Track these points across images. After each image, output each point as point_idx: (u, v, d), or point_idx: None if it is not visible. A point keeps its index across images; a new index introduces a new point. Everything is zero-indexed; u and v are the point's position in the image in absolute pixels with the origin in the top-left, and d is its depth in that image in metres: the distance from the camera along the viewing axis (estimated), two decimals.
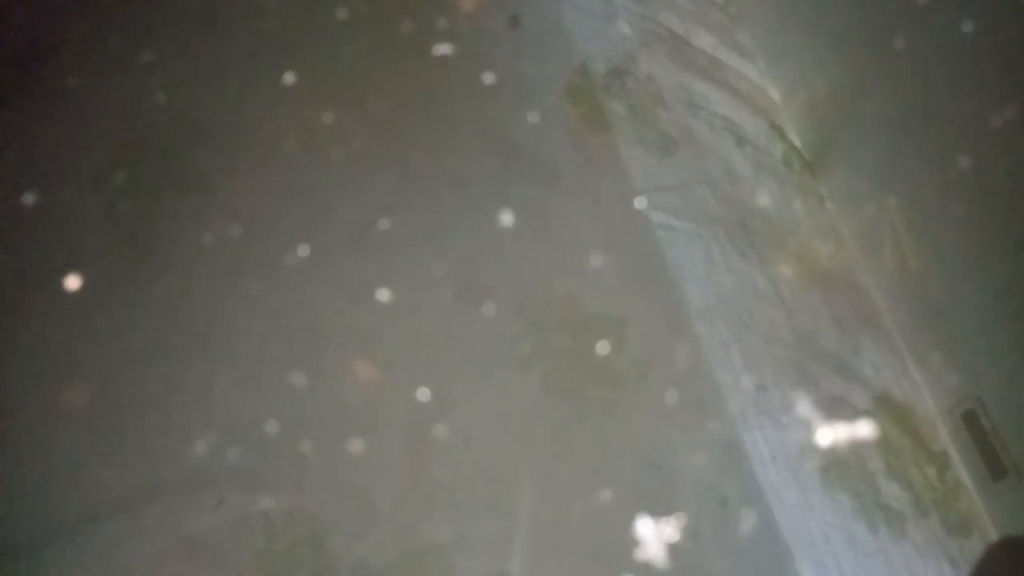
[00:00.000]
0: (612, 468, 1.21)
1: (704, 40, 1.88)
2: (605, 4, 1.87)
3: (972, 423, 1.39)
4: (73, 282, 1.24)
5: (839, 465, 1.26)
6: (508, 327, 1.28)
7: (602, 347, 1.31)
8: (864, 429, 1.35)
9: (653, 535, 1.14)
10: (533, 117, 1.56)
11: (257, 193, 1.38)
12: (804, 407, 1.34)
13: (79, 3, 1.57)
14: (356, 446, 1.14)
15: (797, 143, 1.79)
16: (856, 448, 1.31)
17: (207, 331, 1.23)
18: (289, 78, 1.48)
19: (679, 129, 1.66)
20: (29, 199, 1.33)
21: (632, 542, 1.13)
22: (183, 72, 1.50)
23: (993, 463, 1.36)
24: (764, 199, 1.63)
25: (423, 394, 1.19)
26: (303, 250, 1.30)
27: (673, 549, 1.14)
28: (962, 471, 1.39)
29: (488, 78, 1.59)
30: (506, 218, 1.40)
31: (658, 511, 1.17)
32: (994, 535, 1.35)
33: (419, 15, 1.60)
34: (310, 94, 1.48)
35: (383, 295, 1.27)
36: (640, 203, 1.49)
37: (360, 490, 1.11)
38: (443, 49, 1.57)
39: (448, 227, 1.39)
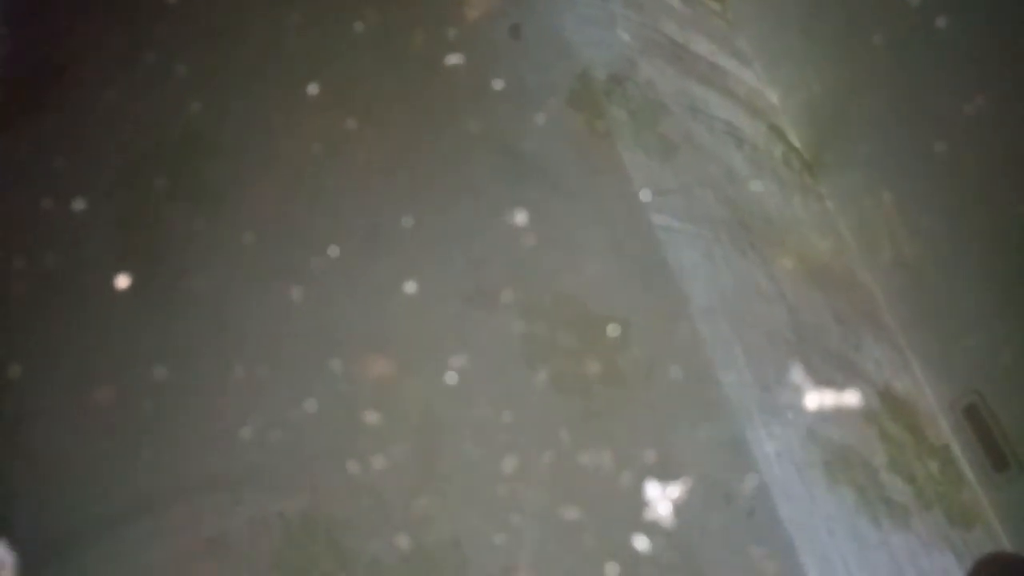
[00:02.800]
0: (618, 465, 1.24)
1: (703, 47, 1.91)
2: (604, 12, 1.90)
3: (973, 417, 1.42)
4: (121, 281, 1.29)
5: (842, 460, 1.29)
6: (517, 325, 1.31)
7: (607, 346, 1.34)
8: (866, 424, 1.37)
9: (658, 530, 1.16)
10: (537, 123, 1.60)
11: (288, 197, 1.43)
12: (807, 403, 1.36)
13: (112, 17, 1.63)
14: (369, 445, 1.17)
15: (796, 143, 1.82)
16: (859, 443, 1.33)
17: (224, 333, 1.26)
18: (313, 89, 1.53)
19: (680, 133, 1.68)
20: (71, 204, 1.38)
21: (638, 537, 1.15)
22: (213, 83, 1.56)
23: (995, 456, 1.38)
24: (764, 199, 1.66)
25: (436, 391, 1.22)
26: (333, 251, 1.35)
27: (678, 544, 1.16)
28: (964, 464, 1.41)
29: (496, 85, 1.63)
30: (516, 219, 1.44)
31: (663, 507, 1.20)
32: (997, 527, 1.37)
33: (430, 27, 1.65)
34: (332, 103, 1.52)
35: (409, 287, 1.30)
36: (643, 205, 1.52)
37: (373, 488, 1.14)
38: (453, 59, 1.61)
39: (460, 228, 1.43)
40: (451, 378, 1.23)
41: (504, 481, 1.16)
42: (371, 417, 1.20)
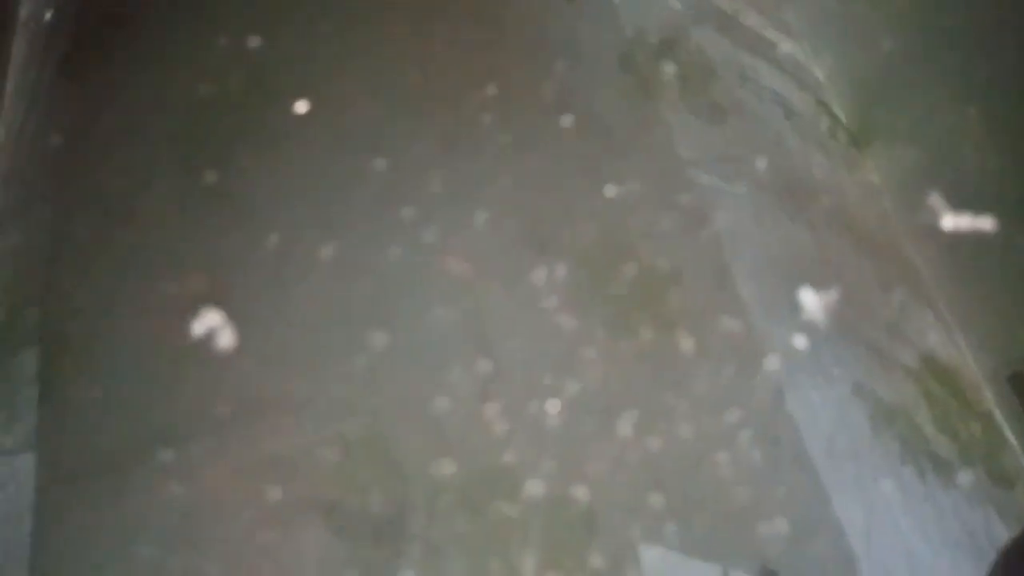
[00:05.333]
0: (667, 410, 1.26)
1: (752, 19, 1.93)
2: None
3: (1018, 385, 1.42)
4: None
5: (887, 415, 1.30)
6: (571, 277, 1.34)
7: (655, 298, 1.36)
8: (911, 385, 1.39)
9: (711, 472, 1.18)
10: (588, 81, 1.62)
11: None
12: (852, 362, 1.38)
13: None
14: (429, 379, 1.20)
15: (842, 118, 1.83)
16: (903, 401, 1.34)
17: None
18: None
19: (729, 99, 1.70)
20: None
21: (689, 473, 1.17)
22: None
23: None
24: (812, 169, 1.67)
25: (490, 334, 1.25)
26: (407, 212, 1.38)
27: (728, 485, 1.18)
28: (1007, 429, 1.42)
29: (546, 46, 1.66)
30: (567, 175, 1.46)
31: (712, 451, 1.22)
32: None
33: None
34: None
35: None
36: (689, 164, 1.54)
37: (433, 418, 1.16)
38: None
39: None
40: (502, 318, 1.26)
41: (557, 414, 1.18)
42: (432, 356, 1.23)
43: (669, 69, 1.71)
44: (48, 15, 1.81)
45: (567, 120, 1.55)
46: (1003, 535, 1.26)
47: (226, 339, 1.22)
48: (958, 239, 1.61)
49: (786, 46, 1.92)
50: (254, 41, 1.58)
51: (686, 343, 1.33)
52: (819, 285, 1.45)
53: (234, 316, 1.24)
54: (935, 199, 1.63)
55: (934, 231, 1.64)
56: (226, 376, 1.20)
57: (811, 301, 1.41)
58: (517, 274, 1.36)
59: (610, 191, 1.48)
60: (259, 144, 1.46)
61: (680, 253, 1.43)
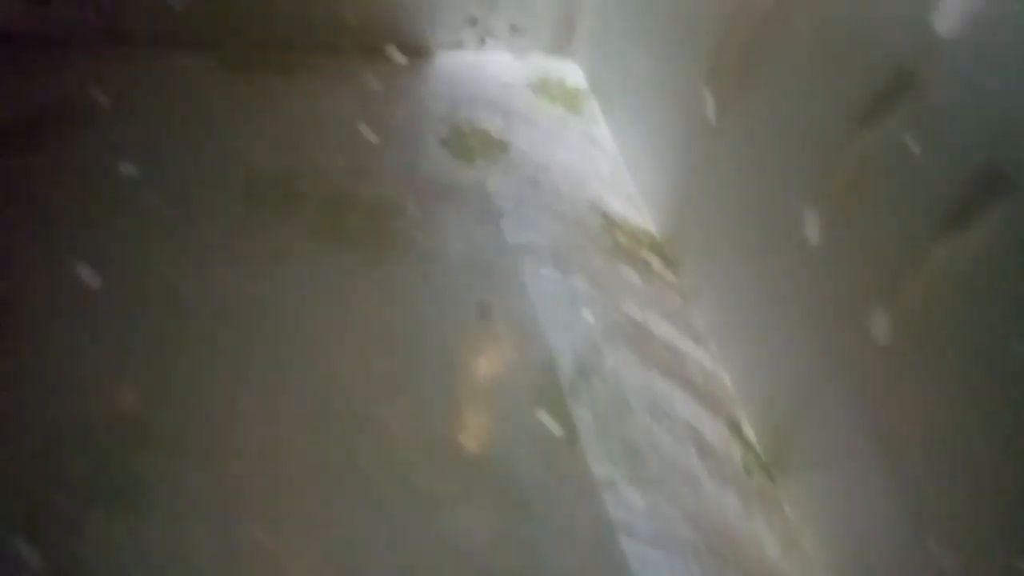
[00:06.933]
0: None
1: (662, 328, 1.93)
2: (567, 290, 1.90)
3: None
4: None
5: None
6: None
7: None
8: None
9: None
10: (503, 430, 1.53)
11: None
12: None
13: None
14: None
15: (753, 439, 1.82)
16: None
17: None
18: None
19: (645, 438, 1.66)
20: None
21: None
22: None
23: None
24: (729, 516, 1.62)
25: None
26: None
27: None
28: None
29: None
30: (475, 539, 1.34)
31: None
32: None
33: None
34: None
35: None
36: (614, 529, 1.46)
37: None
38: None
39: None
40: None
41: None
42: None
43: (585, 406, 1.66)
44: None
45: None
46: None
47: None
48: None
49: (696, 354, 1.92)
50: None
51: None
52: None
53: None
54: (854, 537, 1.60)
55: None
56: None
57: None
58: None
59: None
60: None
61: None
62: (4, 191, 1.84)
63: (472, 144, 2.30)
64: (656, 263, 2.12)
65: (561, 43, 2.73)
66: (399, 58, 2.54)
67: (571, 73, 2.73)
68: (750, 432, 1.84)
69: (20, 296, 1.65)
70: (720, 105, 1.96)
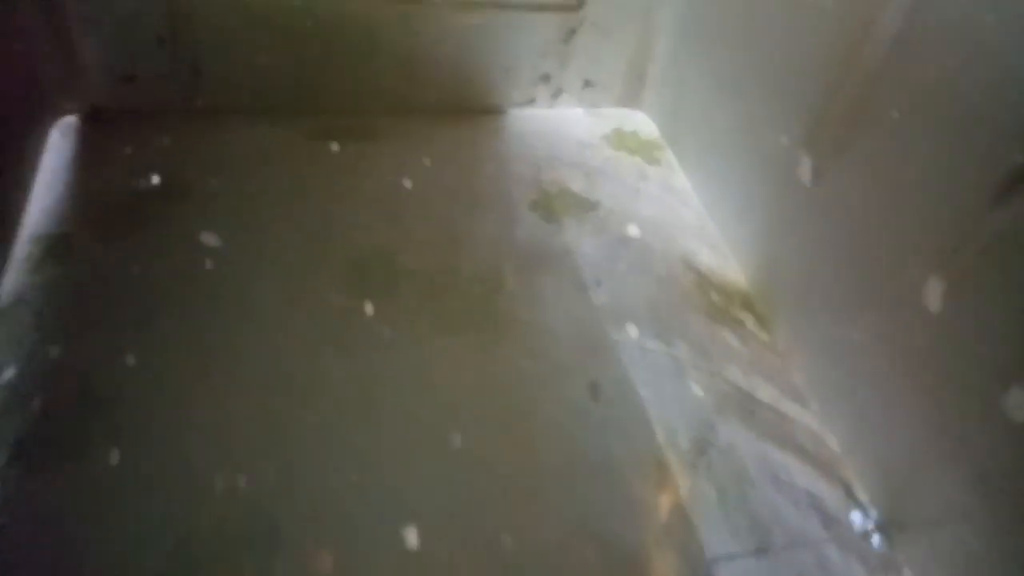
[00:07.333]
0: None
1: (766, 392, 1.93)
2: (673, 363, 1.91)
3: None
4: None
5: None
6: None
7: None
8: None
9: None
10: (621, 504, 1.56)
11: None
12: None
13: None
14: None
15: (866, 504, 1.81)
16: None
17: None
18: None
19: (769, 511, 1.66)
20: None
21: None
22: None
23: None
24: None
25: None
26: None
27: None
28: None
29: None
30: None
31: None
32: None
33: None
34: None
35: None
36: None
37: None
38: None
39: None
40: None
41: None
42: None
43: (707, 481, 1.66)
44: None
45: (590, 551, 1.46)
46: None
47: None
48: None
49: (802, 418, 1.91)
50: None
51: None
52: None
53: None
54: None
55: None
56: None
57: None
58: None
59: None
60: None
61: None
62: (108, 274, 1.86)
63: (559, 206, 2.33)
64: (750, 321, 2.13)
65: (632, 94, 2.75)
66: (474, 117, 2.58)
67: (643, 124, 2.75)
68: (863, 495, 1.84)
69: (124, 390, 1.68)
70: (818, 168, 1.97)
